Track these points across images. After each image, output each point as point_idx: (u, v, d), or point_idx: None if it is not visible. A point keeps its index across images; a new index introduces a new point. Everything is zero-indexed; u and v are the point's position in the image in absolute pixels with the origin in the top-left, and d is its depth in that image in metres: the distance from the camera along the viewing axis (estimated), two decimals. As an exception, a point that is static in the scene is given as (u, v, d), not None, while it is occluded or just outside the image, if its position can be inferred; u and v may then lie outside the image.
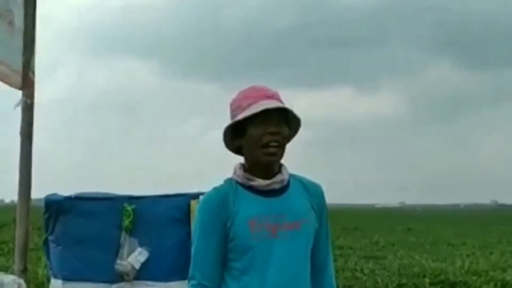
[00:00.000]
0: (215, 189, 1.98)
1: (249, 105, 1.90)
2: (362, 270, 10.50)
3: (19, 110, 3.28)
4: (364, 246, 16.75)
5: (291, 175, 2.01)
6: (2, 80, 3.21)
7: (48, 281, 5.44)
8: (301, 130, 1.99)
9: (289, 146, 1.99)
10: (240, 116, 1.89)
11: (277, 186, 1.94)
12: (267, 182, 1.93)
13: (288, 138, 1.97)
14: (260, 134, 1.89)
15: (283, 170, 1.99)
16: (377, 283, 9.11)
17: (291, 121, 1.96)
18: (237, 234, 1.89)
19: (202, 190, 2.11)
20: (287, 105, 1.93)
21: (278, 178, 1.95)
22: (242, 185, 1.95)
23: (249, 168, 1.96)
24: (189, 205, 5.04)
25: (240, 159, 2.00)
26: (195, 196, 4.96)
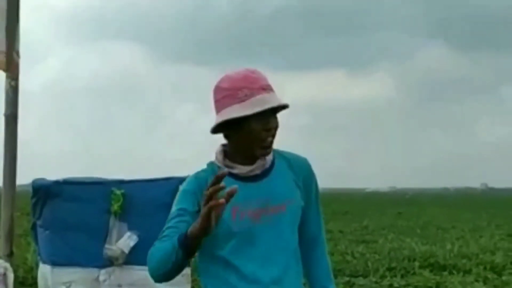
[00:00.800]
0: (195, 174, 1.95)
1: (247, 96, 1.81)
2: (352, 254, 10.55)
3: (2, 92, 3.22)
4: (355, 230, 16.83)
5: (275, 152, 1.97)
6: None
7: (37, 266, 5.41)
8: (289, 114, 1.96)
9: (279, 129, 1.95)
10: (246, 112, 1.79)
11: (258, 171, 1.91)
12: (248, 168, 1.89)
13: None
14: (259, 130, 1.84)
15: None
16: (368, 266, 9.15)
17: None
18: (218, 222, 1.86)
19: (191, 174, 2.07)
20: (278, 93, 1.89)
21: (259, 163, 1.91)
22: None
23: (231, 154, 1.92)
24: (177, 189, 5.01)
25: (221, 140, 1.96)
26: (183, 180, 4.92)
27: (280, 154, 1.99)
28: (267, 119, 1.85)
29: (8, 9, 3.15)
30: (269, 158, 1.94)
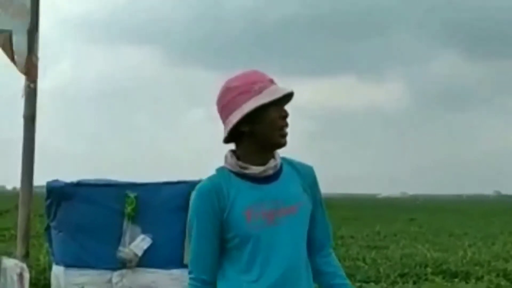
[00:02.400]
0: (208, 180, 1.95)
1: (261, 88, 1.90)
2: (364, 260, 10.51)
3: (19, 94, 3.27)
4: (366, 236, 16.76)
5: (282, 159, 2.00)
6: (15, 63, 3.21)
7: (50, 267, 5.44)
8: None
9: (290, 135, 1.99)
10: (271, 98, 1.88)
11: (271, 172, 1.93)
12: (262, 168, 1.91)
13: None
14: (276, 118, 1.91)
15: (276, 155, 1.98)
16: (379, 272, 9.11)
17: None
18: (234, 225, 1.87)
19: (203, 178, 2.07)
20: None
21: (272, 163, 1.93)
22: (235, 173, 1.93)
23: (244, 156, 1.93)
24: (190, 194, 5.02)
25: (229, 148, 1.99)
26: (196, 184, 4.92)
27: (287, 161, 2.02)
28: (282, 107, 1.94)
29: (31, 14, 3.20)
30: (278, 161, 1.97)
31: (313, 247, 2.04)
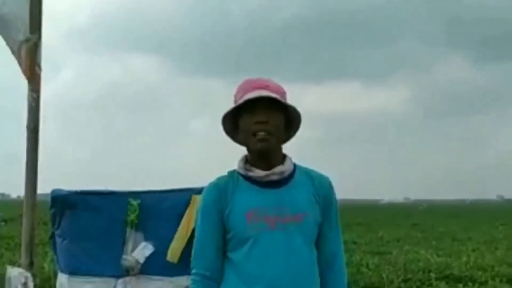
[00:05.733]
0: (216, 179, 2.00)
1: (241, 97, 1.93)
2: (367, 265, 10.49)
3: (25, 105, 3.28)
4: (369, 241, 16.72)
5: (298, 167, 2.01)
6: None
7: (55, 276, 5.46)
8: (305, 125, 2.00)
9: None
10: (229, 108, 1.94)
11: (275, 178, 1.94)
12: (265, 173, 1.93)
13: (282, 128, 1.96)
14: (248, 124, 1.92)
15: (286, 162, 1.98)
16: (382, 278, 9.09)
17: (293, 115, 1.96)
18: (234, 225, 1.90)
19: (211, 182, 2.12)
20: (289, 99, 1.95)
21: (277, 169, 1.94)
22: (243, 176, 1.96)
23: (250, 159, 1.97)
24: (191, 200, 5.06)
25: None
26: (199, 191, 4.95)
27: (303, 169, 2.02)
28: (256, 112, 1.91)
29: (30, 24, 3.21)
30: (289, 168, 1.97)
31: (322, 260, 2.03)
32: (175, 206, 4.90)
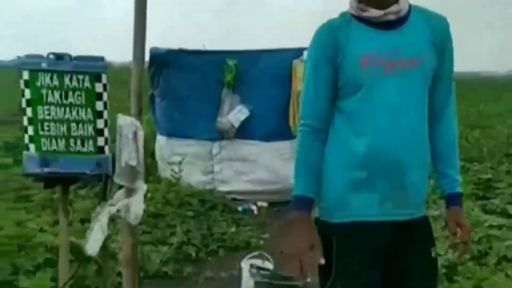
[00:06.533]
0: (327, 22, 1.82)
1: None
2: (466, 138, 10.13)
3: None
4: (469, 115, 16.24)
5: (413, 7, 1.80)
6: None
7: (154, 137, 5.65)
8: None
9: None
10: None
11: (392, 17, 1.74)
12: (382, 12, 1.73)
13: None
14: None
15: (401, 0, 1.77)
16: (483, 152, 8.78)
17: None
18: (346, 71, 1.73)
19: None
20: None
21: (393, 8, 1.74)
22: (357, 18, 1.77)
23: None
24: (291, 64, 4.89)
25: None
26: (298, 53, 4.77)
27: (419, 10, 1.82)
28: None
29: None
30: (405, 8, 1.77)
31: (430, 113, 1.85)
32: (272, 67, 4.79)
